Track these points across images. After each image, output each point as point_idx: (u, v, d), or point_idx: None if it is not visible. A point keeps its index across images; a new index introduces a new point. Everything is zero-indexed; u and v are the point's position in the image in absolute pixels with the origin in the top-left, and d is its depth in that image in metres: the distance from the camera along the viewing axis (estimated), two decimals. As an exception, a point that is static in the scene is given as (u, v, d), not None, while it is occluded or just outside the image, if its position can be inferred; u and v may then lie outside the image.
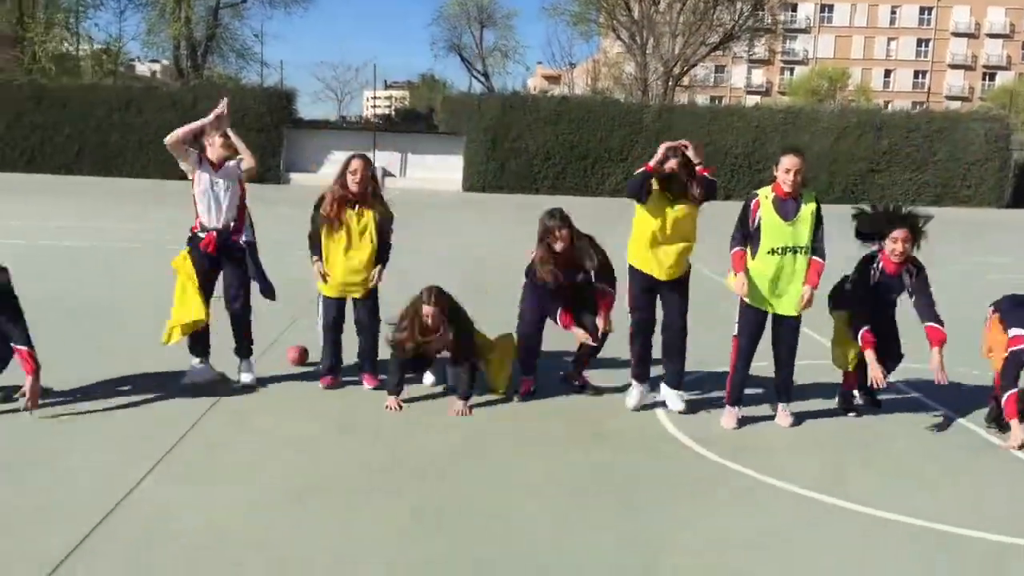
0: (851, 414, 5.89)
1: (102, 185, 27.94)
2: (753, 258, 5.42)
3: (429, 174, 33.94)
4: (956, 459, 5.16)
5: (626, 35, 41.70)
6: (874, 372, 5.38)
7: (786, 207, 5.36)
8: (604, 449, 5.05)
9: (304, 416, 5.46)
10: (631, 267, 5.72)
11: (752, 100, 77.63)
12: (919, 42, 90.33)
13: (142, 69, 67.56)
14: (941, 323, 5.43)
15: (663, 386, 5.87)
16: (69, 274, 10.30)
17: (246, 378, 6.04)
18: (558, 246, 5.76)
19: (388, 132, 36.82)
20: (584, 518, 4.07)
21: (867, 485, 4.64)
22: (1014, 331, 5.40)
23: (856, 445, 5.32)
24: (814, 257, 5.38)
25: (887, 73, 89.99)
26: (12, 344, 5.26)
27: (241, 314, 6.01)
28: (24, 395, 5.13)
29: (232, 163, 5.91)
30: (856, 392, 6.00)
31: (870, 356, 5.42)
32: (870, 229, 5.66)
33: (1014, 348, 5.35)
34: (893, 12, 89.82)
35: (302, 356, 6.53)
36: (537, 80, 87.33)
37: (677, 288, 5.70)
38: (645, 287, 5.66)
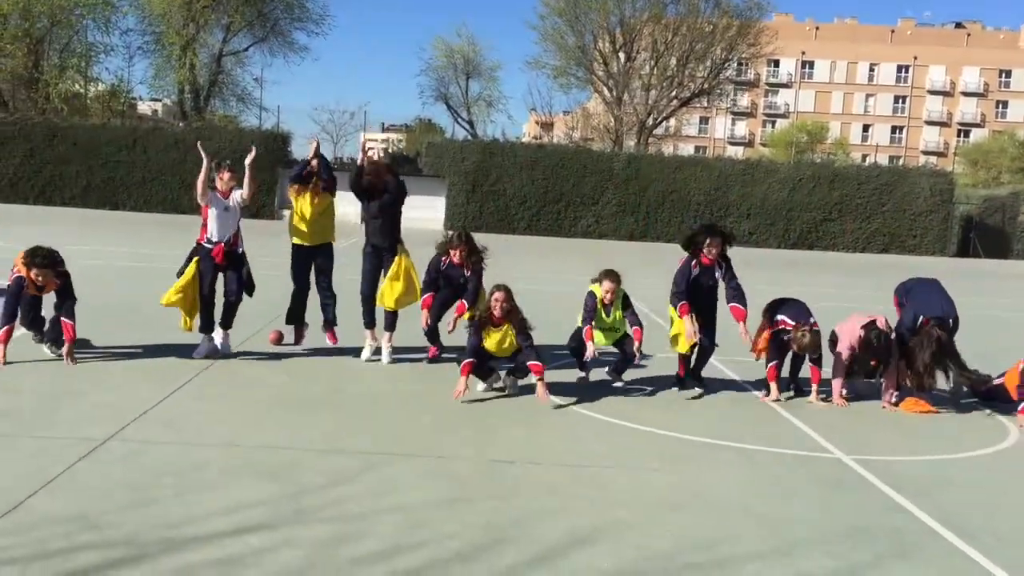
0: (676, 388, 8.00)
1: (111, 216, 30.23)
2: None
3: (413, 213, 36.12)
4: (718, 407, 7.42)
5: (604, 88, 44.42)
6: (688, 328, 7.50)
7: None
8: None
9: (279, 371, 7.69)
10: None
11: (734, 150, 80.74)
12: (896, 99, 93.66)
13: (143, 108, 70.21)
14: (744, 304, 7.61)
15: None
16: (101, 285, 12.52)
17: (217, 338, 8.22)
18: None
19: (377, 174, 39.21)
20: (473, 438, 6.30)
21: (653, 415, 6.87)
22: (779, 317, 7.69)
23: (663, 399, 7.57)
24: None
25: (865, 128, 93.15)
26: (61, 317, 7.53)
27: (233, 303, 8.24)
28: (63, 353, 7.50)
29: (236, 194, 8.16)
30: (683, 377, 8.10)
31: (687, 319, 7.54)
32: (690, 241, 7.82)
33: (776, 329, 7.62)
34: (871, 70, 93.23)
35: (279, 337, 8.75)
36: (531, 126, 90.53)
37: None
38: None
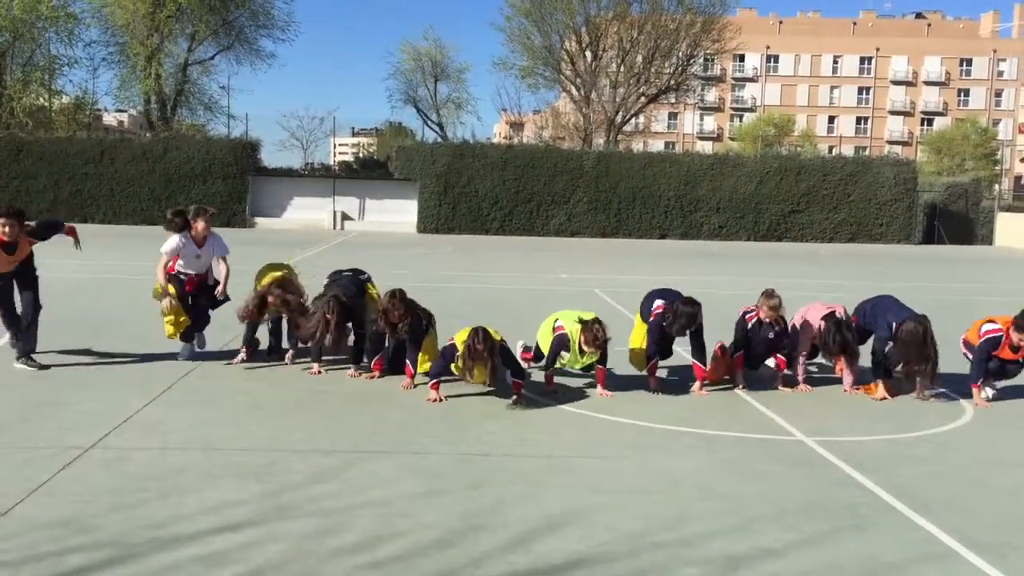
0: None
1: (80, 230, 30.02)
2: None
3: (386, 217, 36.40)
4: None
5: (571, 87, 44.73)
6: (652, 384, 7.73)
7: None
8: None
9: (256, 376, 7.83)
10: None
11: (703, 145, 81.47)
12: (860, 90, 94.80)
13: (109, 119, 69.70)
14: (705, 362, 7.69)
15: None
16: (79, 297, 12.58)
17: (198, 345, 8.47)
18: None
19: (347, 179, 39.30)
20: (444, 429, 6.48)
21: (625, 408, 7.10)
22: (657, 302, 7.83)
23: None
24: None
25: (831, 119, 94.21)
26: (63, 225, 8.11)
27: (201, 327, 8.46)
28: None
29: (216, 251, 8.32)
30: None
31: (652, 379, 7.74)
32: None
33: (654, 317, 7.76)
34: (835, 62, 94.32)
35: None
36: (502, 127, 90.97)
37: None
38: None
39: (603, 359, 7.57)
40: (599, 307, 12.42)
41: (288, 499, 4.88)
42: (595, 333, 7.30)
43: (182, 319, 8.29)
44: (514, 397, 7.19)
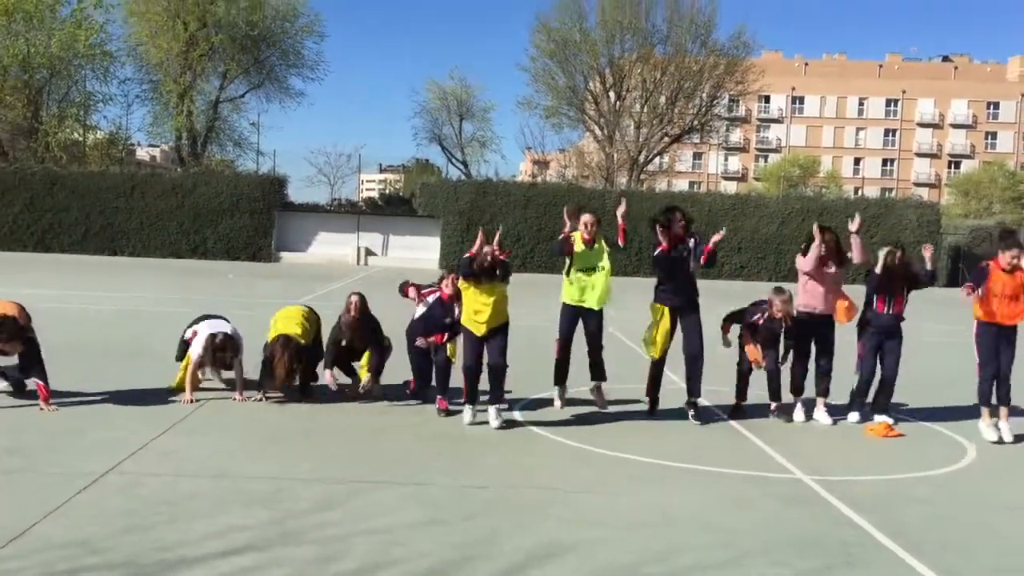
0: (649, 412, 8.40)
1: (108, 262, 30.65)
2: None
3: (409, 253, 36.76)
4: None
5: (595, 126, 45.17)
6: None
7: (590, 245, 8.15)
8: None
9: (266, 408, 8.04)
10: None
11: (727, 185, 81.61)
12: (886, 132, 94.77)
13: (141, 154, 71.10)
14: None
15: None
16: (103, 328, 12.89)
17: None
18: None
19: (371, 215, 39.82)
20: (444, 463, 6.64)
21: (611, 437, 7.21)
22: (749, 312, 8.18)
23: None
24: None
25: (856, 161, 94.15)
26: (35, 380, 7.73)
27: None
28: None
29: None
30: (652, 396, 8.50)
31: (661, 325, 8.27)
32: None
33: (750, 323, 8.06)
34: (861, 104, 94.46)
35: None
36: (527, 165, 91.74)
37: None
38: None
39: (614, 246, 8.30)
40: (614, 346, 12.56)
41: (292, 526, 5.05)
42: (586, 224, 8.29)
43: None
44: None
